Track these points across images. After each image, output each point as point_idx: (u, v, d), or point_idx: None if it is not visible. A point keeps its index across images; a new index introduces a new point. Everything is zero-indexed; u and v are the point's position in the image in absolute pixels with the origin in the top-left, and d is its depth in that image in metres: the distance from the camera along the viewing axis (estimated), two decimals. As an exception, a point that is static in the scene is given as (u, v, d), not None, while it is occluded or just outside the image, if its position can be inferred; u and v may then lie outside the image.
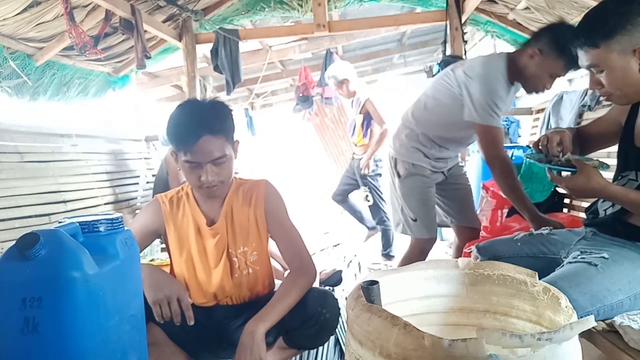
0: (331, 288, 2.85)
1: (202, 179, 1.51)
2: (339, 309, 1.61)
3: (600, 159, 1.46)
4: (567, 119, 2.93)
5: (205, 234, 1.63)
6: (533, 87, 2.03)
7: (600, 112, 2.66)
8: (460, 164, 2.51)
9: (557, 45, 1.89)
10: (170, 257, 1.73)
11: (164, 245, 2.85)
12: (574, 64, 1.81)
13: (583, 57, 1.32)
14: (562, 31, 1.91)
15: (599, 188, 1.30)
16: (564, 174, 1.41)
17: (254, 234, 1.66)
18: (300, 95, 6.09)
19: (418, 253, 2.34)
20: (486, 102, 1.96)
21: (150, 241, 1.71)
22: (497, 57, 2.07)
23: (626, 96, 1.34)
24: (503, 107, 2.03)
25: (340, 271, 2.99)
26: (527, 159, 1.55)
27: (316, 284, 2.81)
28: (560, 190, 2.93)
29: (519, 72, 2.01)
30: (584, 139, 1.62)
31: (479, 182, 3.26)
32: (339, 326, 2.14)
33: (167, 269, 1.75)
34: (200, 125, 1.48)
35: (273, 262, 2.46)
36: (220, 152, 1.51)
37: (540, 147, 1.49)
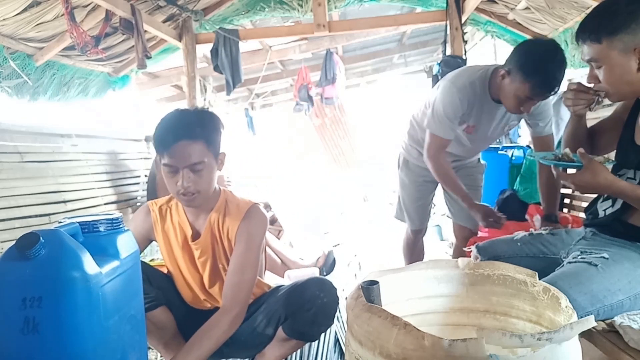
0: (329, 271, 2.92)
1: (178, 184, 1.49)
2: (337, 295, 1.60)
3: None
4: (567, 119, 2.92)
5: (192, 245, 1.64)
6: (508, 108, 1.97)
7: (601, 112, 2.65)
8: (472, 165, 2.48)
9: (522, 67, 1.79)
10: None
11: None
12: (545, 87, 1.77)
13: (585, 50, 1.33)
14: (531, 51, 1.82)
15: (607, 184, 1.27)
16: (569, 170, 1.39)
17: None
18: (300, 95, 6.10)
19: (407, 238, 2.63)
20: (437, 110, 2.04)
21: (144, 246, 1.70)
22: (477, 71, 2.03)
23: (621, 94, 1.34)
24: (468, 120, 2.08)
25: (331, 251, 3.07)
26: (530, 157, 1.54)
27: (316, 271, 2.85)
28: (561, 190, 2.93)
29: (497, 90, 1.97)
30: (594, 139, 1.61)
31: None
32: (339, 326, 2.15)
33: (164, 270, 1.75)
34: (180, 128, 1.48)
35: (274, 257, 2.48)
36: (198, 159, 1.48)
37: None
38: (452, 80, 2.06)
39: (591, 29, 1.29)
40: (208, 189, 1.55)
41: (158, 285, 1.60)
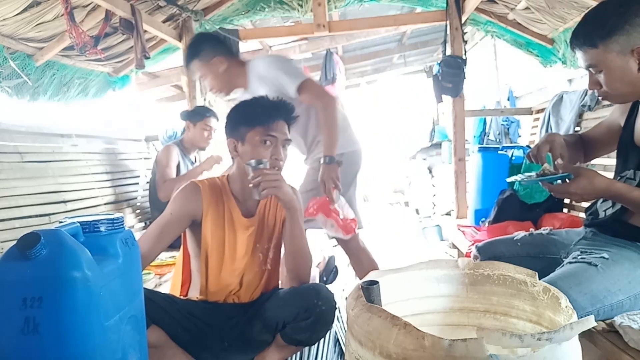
0: (329, 279, 2.91)
1: (273, 156, 1.63)
2: (335, 302, 1.60)
3: (601, 159, 1.46)
4: (567, 119, 2.93)
5: (238, 225, 1.67)
6: None
7: (600, 112, 2.66)
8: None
9: None
10: (185, 250, 1.75)
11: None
12: None
13: (582, 57, 1.33)
14: None
15: (604, 186, 1.27)
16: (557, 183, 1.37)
17: (277, 232, 1.74)
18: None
19: None
20: None
21: (184, 226, 1.67)
22: None
23: (624, 96, 1.34)
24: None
25: (332, 257, 3.07)
26: (510, 181, 1.53)
27: (316, 273, 2.86)
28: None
29: None
30: (587, 144, 1.61)
31: (478, 181, 3.26)
32: (339, 326, 2.15)
33: (168, 269, 1.75)
34: (281, 109, 1.68)
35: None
36: (289, 137, 1.69)
37: (532, 159, 1.46)
38: None
39: (585, 34, 1.30)
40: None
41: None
